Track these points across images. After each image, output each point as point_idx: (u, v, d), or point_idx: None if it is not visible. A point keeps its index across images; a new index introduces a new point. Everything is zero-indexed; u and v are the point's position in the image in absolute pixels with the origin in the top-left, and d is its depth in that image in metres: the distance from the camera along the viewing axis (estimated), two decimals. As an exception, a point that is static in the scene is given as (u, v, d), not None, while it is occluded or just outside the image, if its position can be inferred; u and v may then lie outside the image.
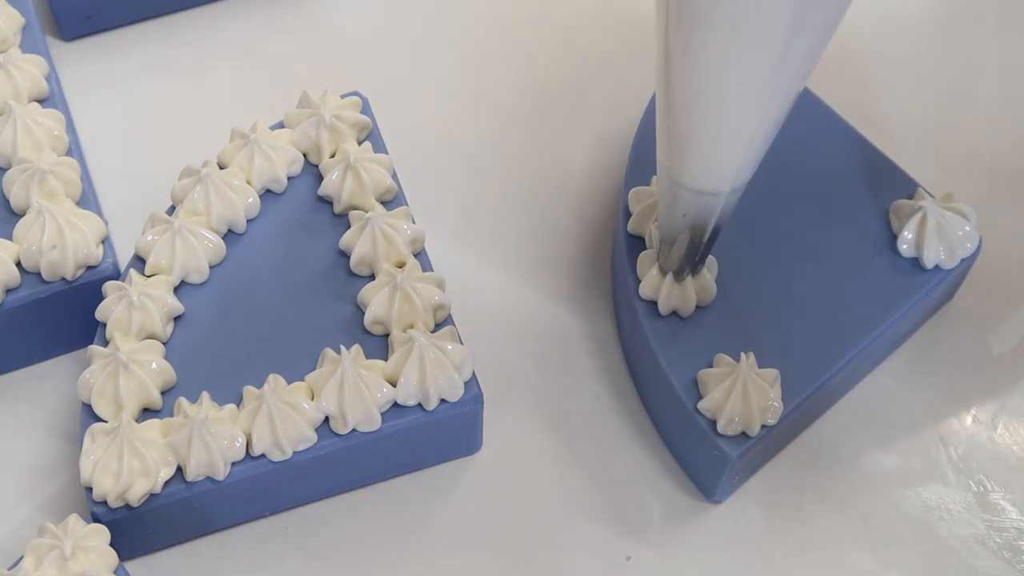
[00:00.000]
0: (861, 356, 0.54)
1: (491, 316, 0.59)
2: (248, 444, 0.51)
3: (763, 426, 0.51)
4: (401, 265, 0.55)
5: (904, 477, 0.55)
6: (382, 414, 0.51)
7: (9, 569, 0.48)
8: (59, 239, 0.54)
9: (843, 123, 0.59)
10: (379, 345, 0.53)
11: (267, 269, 0.55)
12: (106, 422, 0.51)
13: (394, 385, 0.51)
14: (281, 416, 0.50)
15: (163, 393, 0.52)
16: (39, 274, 0.55)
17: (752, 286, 0.55)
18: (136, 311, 0.52)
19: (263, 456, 0.51)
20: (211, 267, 0.55)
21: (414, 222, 0.56)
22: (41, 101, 0.59)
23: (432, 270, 0.55)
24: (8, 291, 0.54)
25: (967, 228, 0.55)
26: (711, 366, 0.53)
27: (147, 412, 0.52)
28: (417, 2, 0.70)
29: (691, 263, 0.53)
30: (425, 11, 0.69)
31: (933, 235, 0.55)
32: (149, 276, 0.54)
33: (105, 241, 0.56)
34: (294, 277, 0.55)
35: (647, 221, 0.56)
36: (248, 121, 0.58)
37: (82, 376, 0.52)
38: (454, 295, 0.54)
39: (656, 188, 0.56)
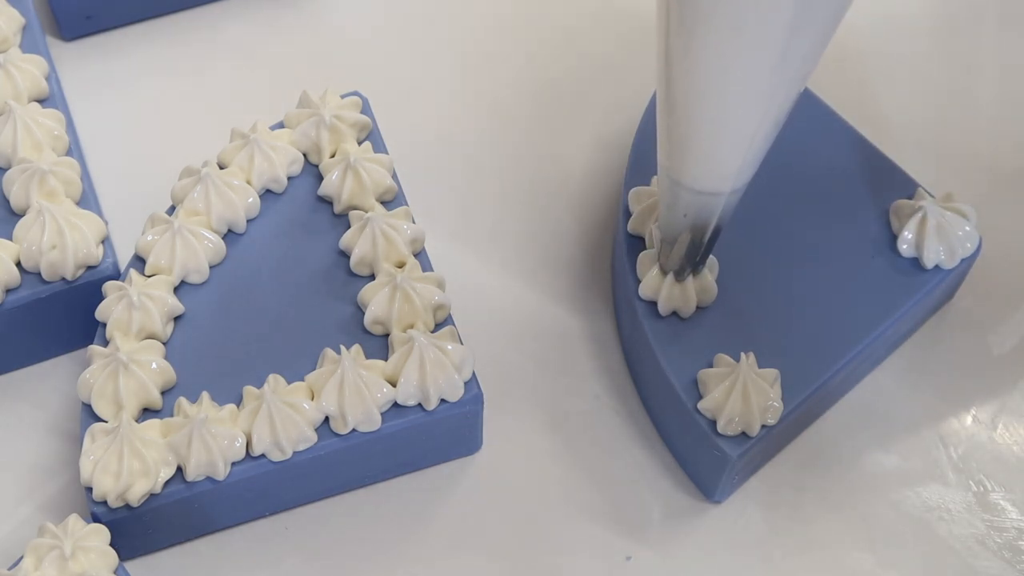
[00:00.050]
0: (861, 356, 0.54)
1: (491, 316, 0.59)
2: (248, 444, 0.51)
3: (763, 426, 0.51)
4: (401, 265, 0.55)
5: (904, 477, 0.55)
6: (382, 414, 0.51)
7: (9, 569, 0.48)
8: (59, 239, 0.54)
9: (843, 123, 0.59)
10: (379, 345, 0.53)
11: (267, 269, 0.55)
12: (106, 422, 0.51)
13: (394, 385, 0.51)
14: (281, 416, 0.50)
15: (163, 393, 0.52)
16: (39, 274, 0.55)
17: (752, 286, 0.55)
18: (136, 311, 0.52)
19: (263, 456, 0.51)
20: (211, 267, 0.55)
21: (414, 222, 0.56)
22: (41, 101, 0.59)
23: (432, 270, 0.55)
24: (8, 291, 0.54)
25: (967, 228, 0.55)
26: (711, 366, 0.53)
27: (147, 412, 0.52)
28: (417, 2, 0.70)
29: (692, 263, 0.53)
30: (425, 11, 0.69)
31: (933, 235, 0.55)
32: (149, 276, 0.54)
33: (105, 241, 0.56)
34: (294, 277, 0.55)
35: (647, 221, 0.56)
36: (248, 121, 0.58)
37: (82, 376, 0.52)
38: (454, 295, 0.54)
39: (656, 188, 0.56)
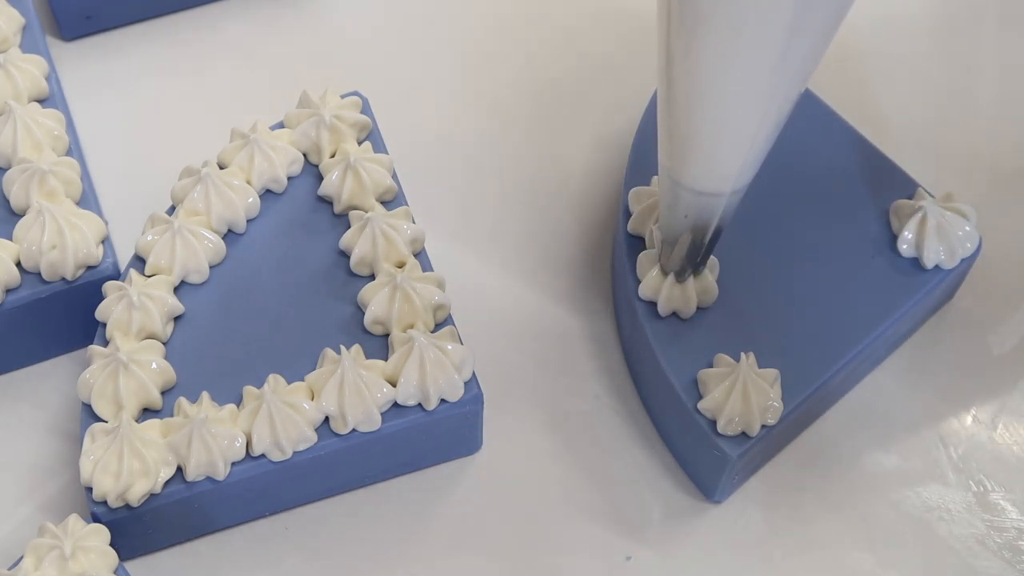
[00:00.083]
0: (861, 356, 0.54)
1: (491, 316, 0.59)
2: (248, 444, 0.51)
3: (763, 426, 0.51)
4: (401, 265, 0.55)
5: (904, 477, 0.55)
6: (382, 414, 0.51)
7: (9, 569, 0.48)
8: (59, 239, 0.54)
9: (843, 123, 0.59)
10: (379, 345, 0.53)
11: (267, 269, 0.55)
12: (106, 422, 0.51)
13: (394, 385, 0.51)
14: (281, 416, 0.50)
15: (163, 393, 0.52)
16: (39, 274, 0.55)
17: (752, 286, 0.55)
18: (136, 311, 0.52)
19: (263, 456, 0.51)
20: (211, 267, 0.55)
21: (414, 222, 0.56)
22: (41, 101, 0.59)
23: (432, 270, 0.55)
24: (8, 291, 0.54)
25: (967, 228, 0.55)
26: (711, 366, 0.53)
27: (147, 412, 0.52)
28: (417, 2, 0.70)
29: (692, 264, 0.53)
30: (425, 11, 0.69)
31: (933, 235, 0.55)
32: (149, 276, 0.54)
33: (105, 241, 0.56)
34: (294, 277, 0.55)
35: (647, 221, 0.56)
36: (248, 121, 0.58)
37: (82, 376, 0.52)
38: (454, 295, 0.54)
39: (656, 188, 0.56)
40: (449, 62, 0.68)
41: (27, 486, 0.54)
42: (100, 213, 0.56)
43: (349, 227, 0.56)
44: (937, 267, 0.55)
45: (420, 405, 0.52)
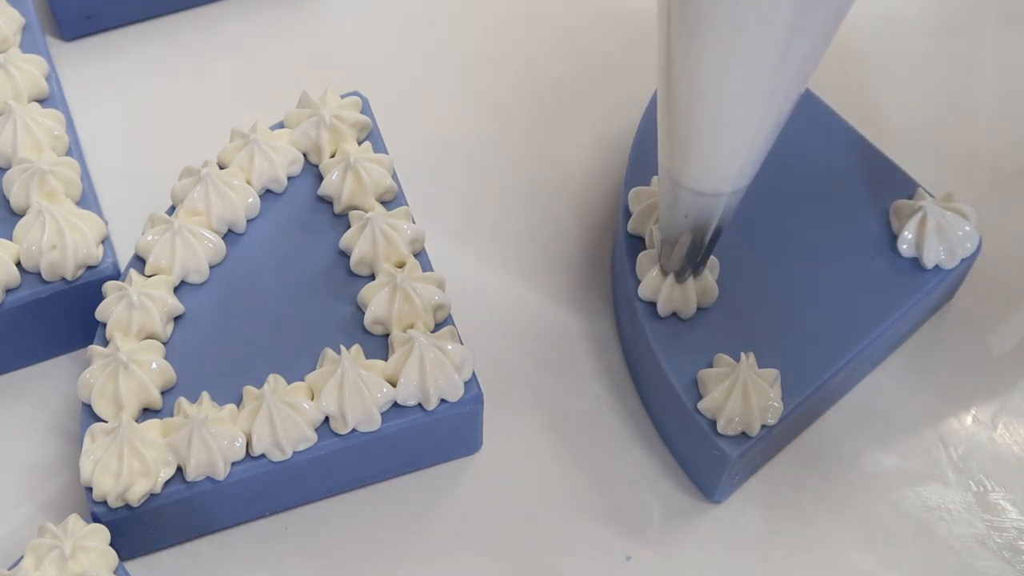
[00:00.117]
0: (861, 356, 0.54)
1: (491, 316, 0.59)
2: (248, 444, 0.51)
3: (763, 426, 0.51)
4: (401, 265, 0.55)
5: (904, 477, 0.55)
6: (382, 414, 0.51)
7: (9, 569, 0.48)
8: (59, 239, 0.54)
9: (843, 123, 0.59)
10: (379, 345, 0.53)
11: (267, 269, 0.55)
12: (106, 422, 0.51)
13: (394, 385, 0.51)
14: (281, 416, 0.50)
15: (163, 393, 0.52)
16: (39, 274, 0.55)
17: (752, 286, 0.55)
18: (136, 311, 0.52)
19: (263, 456, 0.51)
20: (211, 267, 0.55)
21: (414, 222, 0.56)
22: (41, 101, 0.59)
23: (432, 270, 0.55)
24: (8, 291, 0.54)
25: (967, 228, 0.55)
26: (711, 366, 0.53)
27: (147, 412, 0.52)
28: (417, 2, 0.70)
29: (692, 264, 0.53)
30: (425, 11, 0.69)
31: (933, 235, 0.55)
32: (149, 276, 0.54)
33: (105, 241, 0.56)
34: (294, 277, 0.55)
35: (647, 221, 0.56)
36: (248, 121, 0.58)
37: (82, 376, 0.52)
38: (454, 295, 0.54)
39: (656, 188, 0.56)
40: (449, 62, 0.68)
41: (27, 486, 0.54)
42: (100, 213, 0.56)
43: (349, 227, 0.56)
44: (937, 267, 0.55)
45: (420, 405, 0.52)
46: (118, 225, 0.59)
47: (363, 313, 0.53)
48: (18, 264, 0.54)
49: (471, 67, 0.67)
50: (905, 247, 0.55)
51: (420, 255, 0.55)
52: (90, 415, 0.51)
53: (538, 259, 0.61)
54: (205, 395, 0.51)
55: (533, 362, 0.58)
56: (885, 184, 0.57)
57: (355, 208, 0.56)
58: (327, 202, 0.57)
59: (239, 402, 0.52)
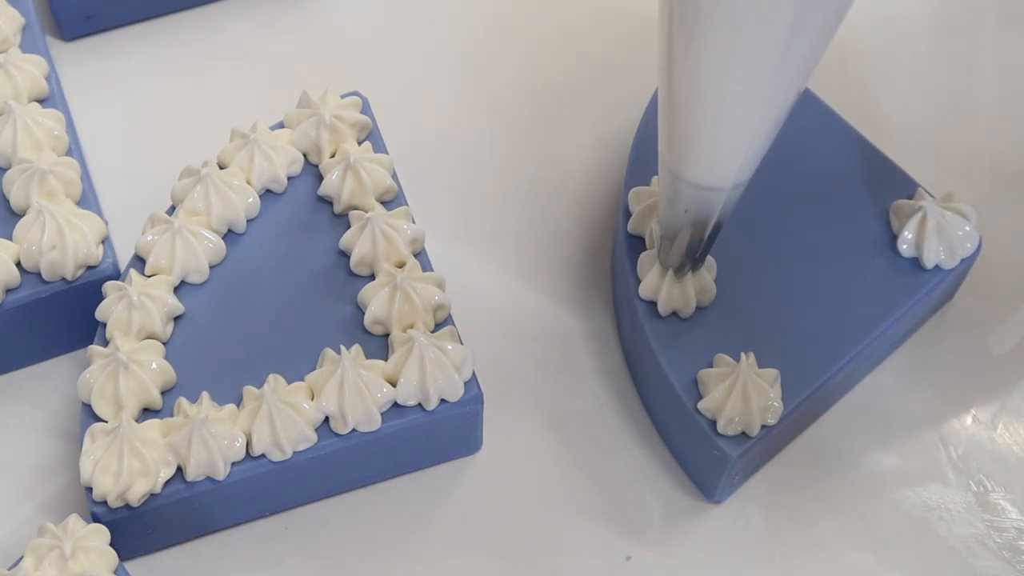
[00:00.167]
0: (861, 356, 0.54)
1: (491, 316, 0.59)
2: (248, 444, 0.51)
3: (763, 426, 0.51)
4: (401, 265, 0.55)
5: (904, 477, 0.55)
6: (382, 414, 0.51)
7: (9, 569, 0.48)
8: (59, 239, 0.54)
9: (843, 123, 0.59)
10: (379, 345, 0.53)
11: (267, 269, 0.55)
12: (106, 422, 0.51)
13: (394, 385, 0.51)
14: (281, 416, 0.50)
15: (163, 393, 0.52)
16: (39, 274, 0.55)
17: (752, 286, 0.55)
18: (136, 311, 0.52)
19: (263, 456, 0.51)
20: (211, 267, 0.55)
21: (414, 222, 0.56)
22: (41, 101, 0.59)
23: (432, 270, 0.55)
24: (8, 291, 0.54)
25: (967, 228, 0.55)
26: (711, 366, 0.53)
27: (147, 412, 0.52)
28: (417, 2, 0.70)
29: (692, 259, 0.53)
30: (425, 11, 0.69)
31: (933, 235, 0.55)
32: (149, 276, 0.54)
33: (105, 241, 0.56)
34: (294, 277, 0.55)
35: (647, 221, 0.56)
36: (248, 121, 0.58)
37: (82, 376, 0.52)
38: (454, 295, 0.54)
39: (657, 188, 0.56)
40: (449, 62, 0.68)
41: (27, 486, 0.54)
42: (100, 213, 0.56)
43: (349, 227, 0.56)
44: (937, 267, 0.55)
45: (420, 405, 0.52)
46: (118, 225, 0.59)
47: (363, 313, 0.53)
48: (18, 264, 0.54)
49: (471, 67, 0.67)
50: (905, 247, 0.55)
51: (420, 255, 0.55)
52: (90, 415, 0.51)
53: (538, 259, 0.61)
54: (205, 395, 0.51)
55: (533, 362, 0.58)
56: (885, 184, 0.57)
57: (355, 208, 0.56)
58: (327, 202, 0.57)
59: (239, 402, 0.52)
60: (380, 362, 0.52)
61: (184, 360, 0.53)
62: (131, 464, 0.49)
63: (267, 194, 0.57)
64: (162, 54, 0.67)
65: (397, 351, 0.52)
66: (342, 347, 0.52)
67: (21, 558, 0.48)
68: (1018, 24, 0.69)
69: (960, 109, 0.66)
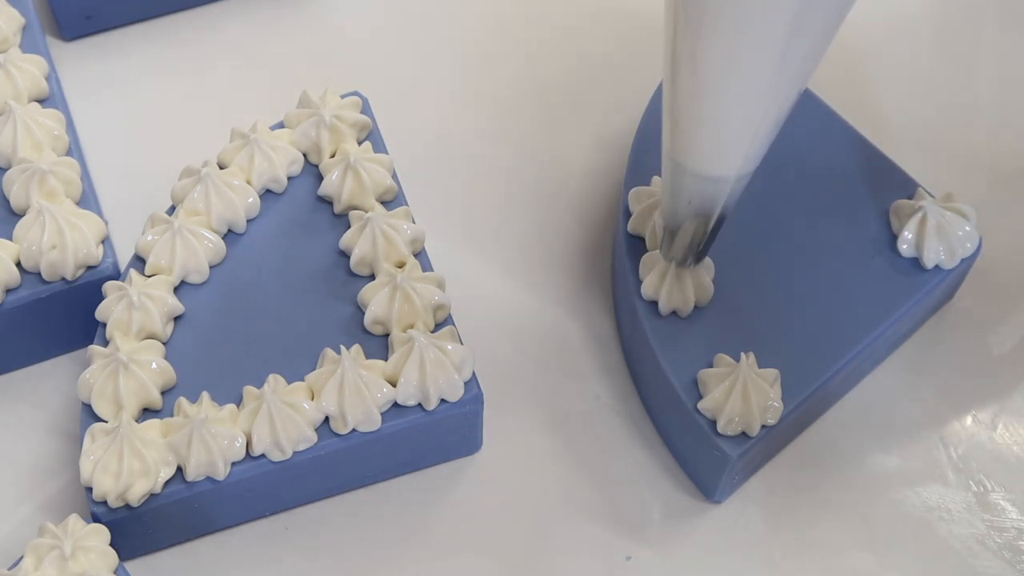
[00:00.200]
0: (861, 356, 0.54)
1: (491, 316, 0.59)
2: (248, 444, 0.51)
3: (763, 426, 0.51)
4: (401, 265, 0.55)
5: (904, 477, 0.55)
6: (382, 414, 0.51)
7: (9, 569, 0.48)
8: (59, 239, 0.54)
9: (843, 123, 0.59)
10: (379, 345, 0.53)
11: (267, 269, 0.55)
12: (106, 422, 0.51)
13: (394, 385, 0.51)
14: (281, 416, 0.50)
15: (163, 393, 0.52)
16: (39, 274, 0.55)
17: (752, 286, 0.55)
18: (136, 311, 0.52)
19: (263, 456, 0.51)
20: (211, 267, 0.55)
21: (414, 222, 0.56)
22: (41, 101, 0.59)
23: (432, 270, 0.55)
24: (8, 291, 0.54)
25: (967, 228, 0.55)
26: (711, 366, 0.53)
27: (147, 412, 0.52)
28: (417, 2, 0.70)
29: (694, 252, 0.53)
30: (425, 11, 0.69)
31: (933, 235, 0.55)
32: (149, 276, 0.54)
33: (105, 241, 0.56)
34: (294, 277, 0.55)
35: (647, 221, 0.56)
36: (248, 121, 0.58)
37: (82, 376, 0.52)
38: (454, 295, 0.54)
39: (657, 188, 0.56)
40: (449, 62, 0.68)
41: (27, 486, 0.54)
42: (100, 213, 0.56)
43: (349, 227, 0.56)
44: (937, 267, 0.55)
45: (420, 405, 0.52)
46: (118, 225, 0.59)
47: (363, 313, 0.53)
48: (18, 264, 0.54)
49: (471, 67, 0.67)
50: (905, 247, 0.55)
51: (420, 255, 0.55)
52: (90, 415, 0.51)
53: (538, 259, 0.61)
54: (205, 395, 0.51)
55: (533, 362, 0.58)
56: (885, 184, 0.57)
57: (355, 208, 0.56)
58: (327, 202, 0.57)
59: (239, 402, 0.52)
60: (380, 362, 0.52)
61: (184, 360, 0.53)
62: (131, 464, 0.49)
63: (267, 194, 0.57)
64: (162, 54, 0.67)
65: (397, 351, 0.52)
66: (342, 347, 0.52)
67: (21, 558, 0.48)
68: (1018, 24, 0.69)
69: (960, 109, 0.66)
